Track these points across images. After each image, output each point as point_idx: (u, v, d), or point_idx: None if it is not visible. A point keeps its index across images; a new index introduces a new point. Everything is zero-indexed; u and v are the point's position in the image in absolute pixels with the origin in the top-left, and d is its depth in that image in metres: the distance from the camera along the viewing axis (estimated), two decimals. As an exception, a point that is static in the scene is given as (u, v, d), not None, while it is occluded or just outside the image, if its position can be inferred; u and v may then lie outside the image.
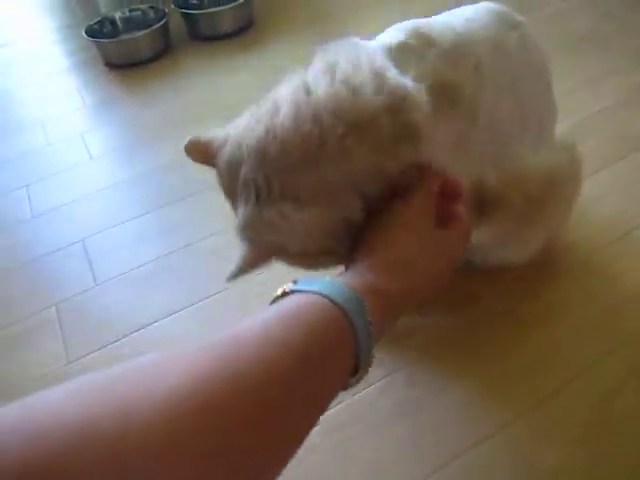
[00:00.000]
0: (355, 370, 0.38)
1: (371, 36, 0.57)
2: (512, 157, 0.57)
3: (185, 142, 0.52)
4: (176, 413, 0.27)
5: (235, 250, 0.50)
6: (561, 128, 0.96)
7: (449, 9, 0.61)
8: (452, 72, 0.50)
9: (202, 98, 1.23)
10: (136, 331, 0.75)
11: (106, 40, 1.40)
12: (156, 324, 0.76)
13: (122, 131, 1.19)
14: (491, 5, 0.60)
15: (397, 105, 0.44)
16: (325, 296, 0.37)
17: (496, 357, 0.66)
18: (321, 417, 0.36)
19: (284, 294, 0.39)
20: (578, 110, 1.00)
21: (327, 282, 0.39)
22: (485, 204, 0.56)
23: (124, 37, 1.45)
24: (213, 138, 0.51)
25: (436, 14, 0.60)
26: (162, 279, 0.83)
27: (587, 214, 0.80)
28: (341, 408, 0.62)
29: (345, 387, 0.39)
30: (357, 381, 0.40)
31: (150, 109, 1.23)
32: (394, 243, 0.44)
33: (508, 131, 0.56)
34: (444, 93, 0.48)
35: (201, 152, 0.51)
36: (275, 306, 0.37)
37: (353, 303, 0.38)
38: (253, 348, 0.32)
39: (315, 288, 0.38)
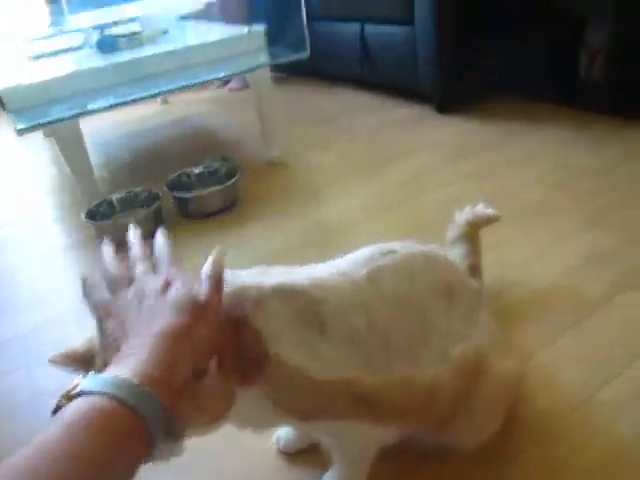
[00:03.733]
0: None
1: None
2: (384, 367, 0.65)
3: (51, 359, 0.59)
4: None
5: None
6: (519, 297, 1.08)
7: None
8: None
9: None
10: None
11: (103, 223, 1.53)
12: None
13: (118, 309, 1.26)
14: (370, 249, 0.75)
15: None
16: (114, 397, 0.42)
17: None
18: None
19: (71, 397, 0.43)
20: (534, 280, 1.12)
21: (114, 381, 0.44)
22: (375, 405, 0.64)
23: (120, 218, 1.58)
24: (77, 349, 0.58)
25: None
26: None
27: (552, 382, 0.88)
28: None
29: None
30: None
31: (144, 286, 1.32)
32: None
33: (370, 346, 0.65)
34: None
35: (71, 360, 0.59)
36: (69, 414, 0.41)
37: (145, 399, 0.43)
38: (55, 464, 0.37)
39: (103, 388, 0.43)
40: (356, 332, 0.64)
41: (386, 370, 0.65)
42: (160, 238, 0.63)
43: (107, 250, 0.62)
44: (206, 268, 0.58)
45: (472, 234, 1.01)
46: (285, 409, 0.62)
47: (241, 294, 0.62)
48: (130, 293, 0.55)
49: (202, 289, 0.55)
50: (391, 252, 0.73)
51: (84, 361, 0.57)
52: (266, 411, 0.61)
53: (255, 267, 0.69)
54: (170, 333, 0.50)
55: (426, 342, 0.69)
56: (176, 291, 0.54)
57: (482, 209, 1.04)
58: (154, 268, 0.59)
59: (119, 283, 0.57)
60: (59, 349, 1.17)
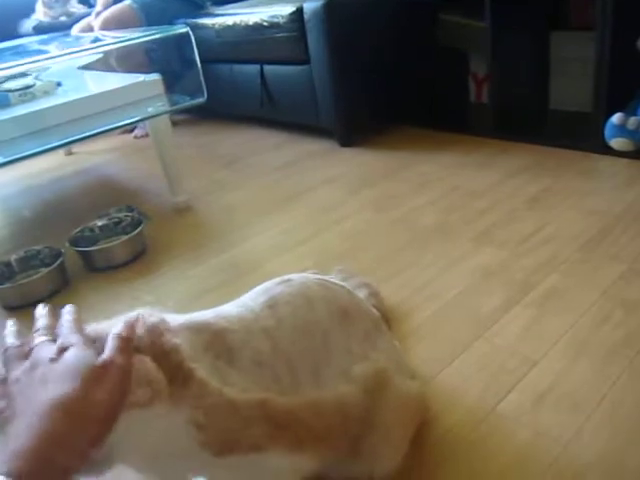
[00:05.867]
0: None
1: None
2: (293, 389, 0.67)
3: None
4: None
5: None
6: (421, 320, 1.13)
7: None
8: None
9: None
10: None
11: (2, 287, 1.46)
12: None
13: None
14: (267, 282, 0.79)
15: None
16: None
17: None
18: None
19: None
20: (434, 301, 1.17)
21: None
22: (289, 428, 0.65)
23: (21, 279, 1.51)
24: None
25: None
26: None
27: (454, 400, 0.92)
28: None
29: None
30: None
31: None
32: None
33: (277, 368, 0.68)
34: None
35: None
36: None
37: None
38: None
39: None
40: (261, 356, 0.67)
41: (295, 391, 0.67)
42: (66, 308, 0.61)
43: (9, 327, 0.60)
44: (116, 328, 0.57)
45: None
46: (205, 437, 0.60)
47: (153, 325, 0.61)
48: (22, 368, 0.54)
49: (107, 349, 0.54)
50: (286, 281, 0.77)
51: None
52: (186, 442, 0.59)
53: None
54: (56, 407, 0.48)
55: (328, 363, 0.72)
56: (69, 356, 0.52)
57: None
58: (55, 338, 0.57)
59: (12, 360, 0.55)
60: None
